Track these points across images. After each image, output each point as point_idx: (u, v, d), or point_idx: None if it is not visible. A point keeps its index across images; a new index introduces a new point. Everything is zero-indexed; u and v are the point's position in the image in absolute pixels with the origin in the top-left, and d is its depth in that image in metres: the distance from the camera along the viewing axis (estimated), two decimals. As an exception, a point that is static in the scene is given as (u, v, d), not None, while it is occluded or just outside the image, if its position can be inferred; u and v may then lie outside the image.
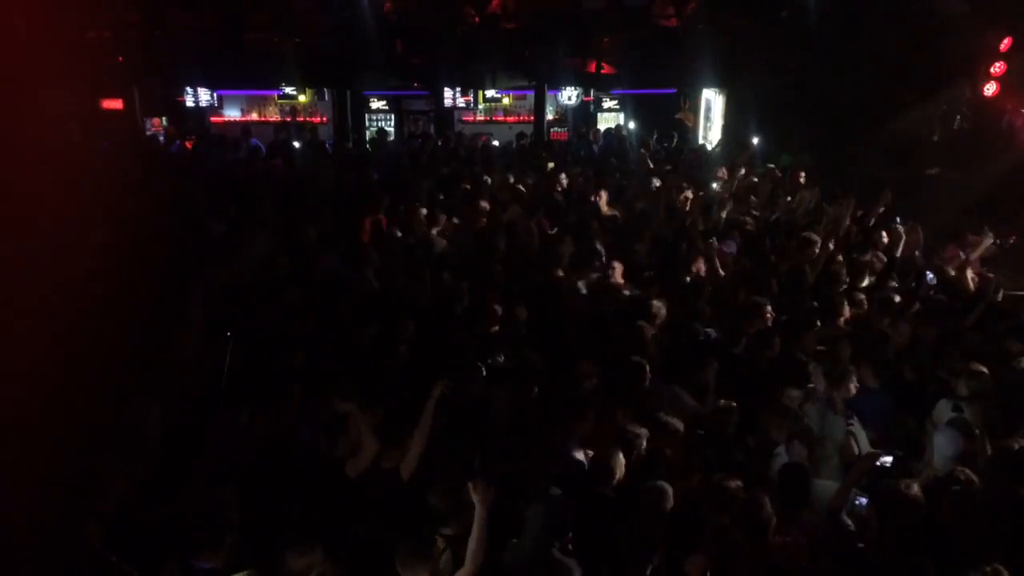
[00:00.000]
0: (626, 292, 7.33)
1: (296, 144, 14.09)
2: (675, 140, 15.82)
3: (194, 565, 3.79)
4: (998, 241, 8.87)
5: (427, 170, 11.95)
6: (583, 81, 17.43)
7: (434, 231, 9.01)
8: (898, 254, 8.30)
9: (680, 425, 5.09)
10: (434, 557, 3.71)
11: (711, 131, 17.57)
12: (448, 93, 17.00)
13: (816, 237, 8.27)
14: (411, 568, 3.62)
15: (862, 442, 5.25)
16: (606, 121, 18.30)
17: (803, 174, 11.57)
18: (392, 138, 15.36)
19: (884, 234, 8.87)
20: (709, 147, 16.19)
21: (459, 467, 4.36)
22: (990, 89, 11.25)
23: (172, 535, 3.90)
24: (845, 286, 7.62)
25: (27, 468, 3.75)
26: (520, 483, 4.43)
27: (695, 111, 17.95)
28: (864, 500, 4.49)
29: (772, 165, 12.49)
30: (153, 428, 4.78)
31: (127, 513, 4.07)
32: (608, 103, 18.57)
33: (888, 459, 4.74)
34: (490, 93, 17.80)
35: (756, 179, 11.63)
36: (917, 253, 8.65)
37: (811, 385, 5.72)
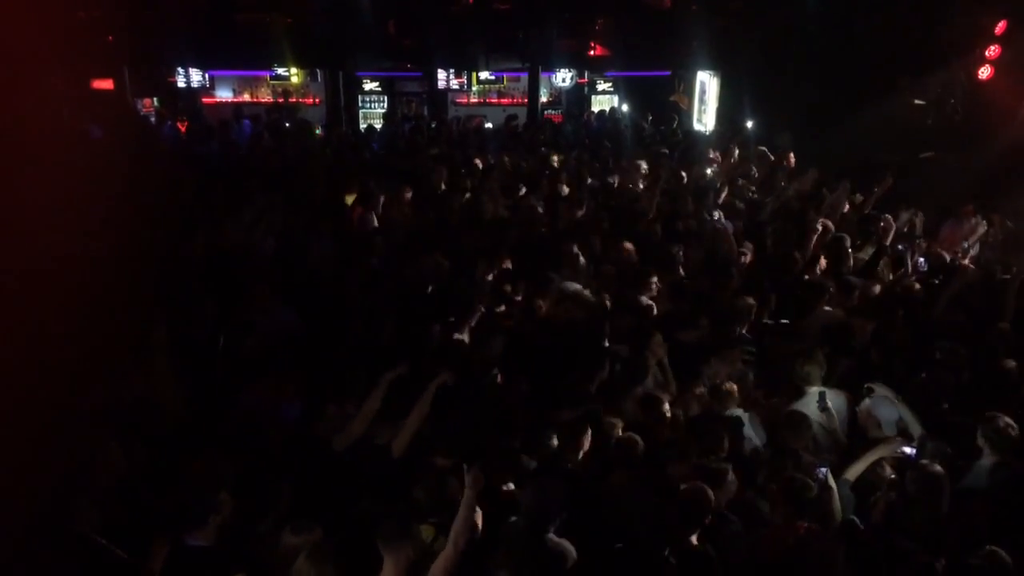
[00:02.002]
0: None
1: (287, 125, 14.02)
2: (676, 122, 15.77)
3: (185, 543, 3.77)
4: (992, 227, 8.92)
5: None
6: (577, 63, 17.37)
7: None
8: (888, 242, 8.30)
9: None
10: (415, 536, 3.70)
11: (706, 114, 17.54)
12: (441, 75, 16.92)
13: (827, 223, 8.29)
14: (392, 548, 3.61)
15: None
16: (600, 103, 18.25)
17: (792, 155, 11.57)
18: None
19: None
20: (704, 131, 16.19)
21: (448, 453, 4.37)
22: (985, 72, 11.22)
23: (166, 517, 3.91)
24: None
25: (20, 449, 3.75)
26: (509, 465, 4.48)
27: (689, 93, 17.91)
28: (824, 469, 4.55)
29: (764, 148, 12.47)
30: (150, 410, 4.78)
31: (123, 495, 4.08)
32: (602, 85, 18.51)
33: (911, 450, 4.80)
34: (484, 75, 17.73)
35: (750, 163, 11.62)
36: (918, 240, 8.66)
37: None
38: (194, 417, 4.89)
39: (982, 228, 8.93)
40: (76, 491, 3.83)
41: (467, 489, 3.74)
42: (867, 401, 5.35)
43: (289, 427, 4.94)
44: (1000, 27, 11.05)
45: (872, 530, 4.30)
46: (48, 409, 4.20)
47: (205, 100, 16.64)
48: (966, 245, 8.80)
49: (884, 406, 5.25)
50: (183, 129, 14.10)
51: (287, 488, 4.22)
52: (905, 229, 8.95)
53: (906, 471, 4.52)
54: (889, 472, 4.70)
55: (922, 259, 8.18)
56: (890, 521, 4.35)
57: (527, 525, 4.07)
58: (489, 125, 16.24)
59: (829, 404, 5.26)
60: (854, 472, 4.75)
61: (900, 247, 8.26)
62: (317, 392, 5.10)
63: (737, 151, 11.91)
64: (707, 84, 17.50)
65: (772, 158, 11.57)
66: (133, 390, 4.94)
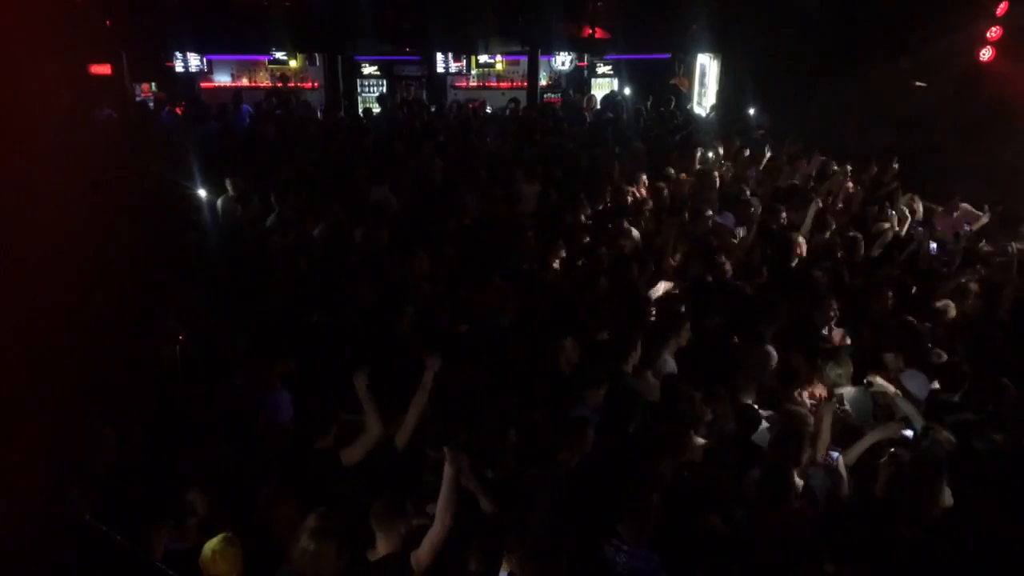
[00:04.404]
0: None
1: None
2: (672, 104, 15.72)
3: (166, 547, 3.81)
4: (991, 211, 8.91)
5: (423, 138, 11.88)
6: (577, 46, 17.29)
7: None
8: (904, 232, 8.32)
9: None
10: (406, 515, 3.85)
11: (706, 97, 17.48)
12: (440, 58, 16.84)
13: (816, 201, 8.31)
14: (385, 526, 3.78)
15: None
16: (600, 86, 18.17)
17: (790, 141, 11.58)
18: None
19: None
20: (703, 113, 16.13)
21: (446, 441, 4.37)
22: (986, 54, 11.17)
23: (159, 503, 3.93)
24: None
25: (14, 436, 3.75)
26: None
27: (689, 76, 17.85)
28: (836, 454, 4.63)
29: (763, 131, 12.46)
30: (145, 395, 4.79)
31: (117, 480, 4.09)
32: (602, 68, 18.42)
33: (910, 432, 4.85)
34: (483, 58, 17.65)
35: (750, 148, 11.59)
36: (919, 228, 8.66)
37: None
38: (189, 403, 4.88)
39: (985, 218, 8.90)
40: (71, 477, 3.84)
41: (447, 466, 3.85)
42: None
43: (281, 418, 4.92)
44: (1001, 8, 10.99)
45: (868, 507, 4.35)
46: (43, 394, 4.20)
47: (203, 85, 16.56)
48: (968, 229, 8.78)
49: (917, 381, 5.28)
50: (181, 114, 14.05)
51: (274, 477, 4.26)
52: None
53: (906, 452, 4.57)
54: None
55: (934, 244, 8.20)
56: (888, 503, 4.38)
57: (541, 513, 4.13)
58: (489, 109, 16.17)
59: (847, 405, 5.30)
60: (852, 455, 4.79)
61: (918, 229, 8.29)
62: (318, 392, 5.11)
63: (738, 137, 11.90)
64: (707, 67, 17.44)
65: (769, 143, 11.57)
66: (130, 374, 4.96)
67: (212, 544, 3.61)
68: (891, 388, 5.23)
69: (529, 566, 3.67)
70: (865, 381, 5.38)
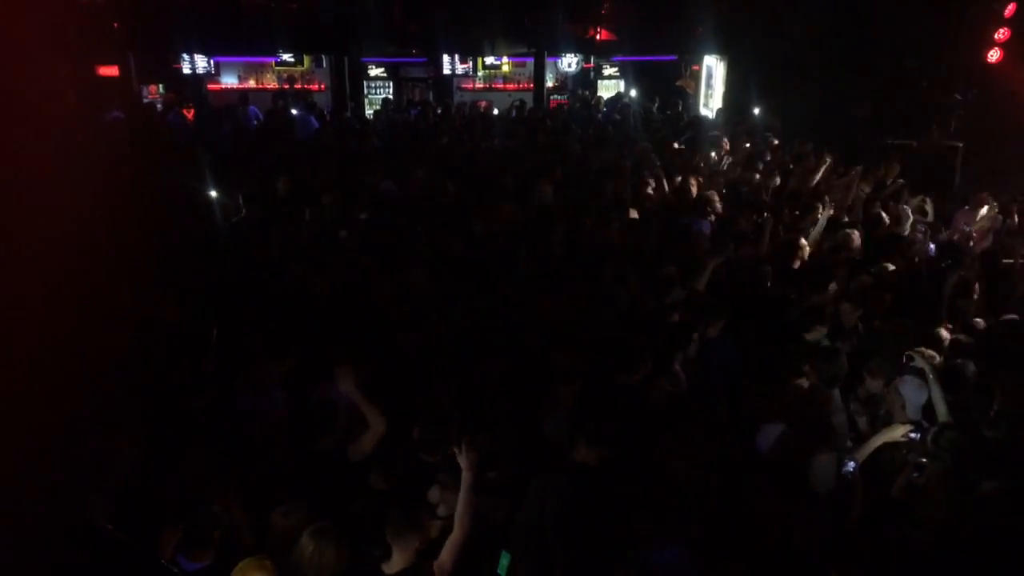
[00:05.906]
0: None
1: (294, 111, 13.96)
2: (680, 107, 15.69)
3: (183, 566, 3.72)
4: (1001, 215, 8.85)
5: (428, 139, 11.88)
6: (583, 48, 17.30)
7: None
8: (906, 231, 8.26)
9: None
10: (424, 527, 3.76)
11: (712, 98, 17.46)
12: (447, 60, 16.88)
13: (819, 205, 8.24)
14: (402, 538, 3.68)
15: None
16: (606, 88, 18.16)
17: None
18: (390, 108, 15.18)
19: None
20: (711, 115, 16.11)
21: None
22: (994, 56, 11.14)
23: (171, 506, 3.90)
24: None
25: (28, 441, 3.76)
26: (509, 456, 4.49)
27: (696, 78, 17.83)
28: (853, 464, 4.59)
29: (769, 133, 12.42)
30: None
31: (130, 485, 4.08)
32: (608, 70, 18.42)
33: (916, 435, 4.82)
34: (489, 60, 17.67)
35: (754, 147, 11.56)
36: (921, 227, 8.62)
37: None
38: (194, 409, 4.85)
39: (983, 211, 8.85)
40: (88, 482, 3.82)
41: (464, 472, 3.81)
42: (895, 380, 5.33)
43: (278, 418, 4.89)
44: (1010, 10, 10.96)
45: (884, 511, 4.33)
46: (56, 399, 4.20)
47: (210, 86, 16.62)
48: (966, 229, 8.72)
49: (912, 387, 5.23)
50: (189, 116, 14.09)
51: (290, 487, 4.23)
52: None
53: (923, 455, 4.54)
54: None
55: (932, 245, 8.14)
56: (905, 506, 4.36)
57: (544, 520, 4.10)
58: (496, 111, 16.18)
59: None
60: (859, 457, 4.77)
61: (920, 228, 8.25)
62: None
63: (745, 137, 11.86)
64: (714, 68, 17.42)
65: (775, 142, 11.54)
66: (140, 378, 4.95)
67: (241, 566, 3.52)
68: (928, 367, 5.15)
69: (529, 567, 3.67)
70: (907, 355, 5.32)
